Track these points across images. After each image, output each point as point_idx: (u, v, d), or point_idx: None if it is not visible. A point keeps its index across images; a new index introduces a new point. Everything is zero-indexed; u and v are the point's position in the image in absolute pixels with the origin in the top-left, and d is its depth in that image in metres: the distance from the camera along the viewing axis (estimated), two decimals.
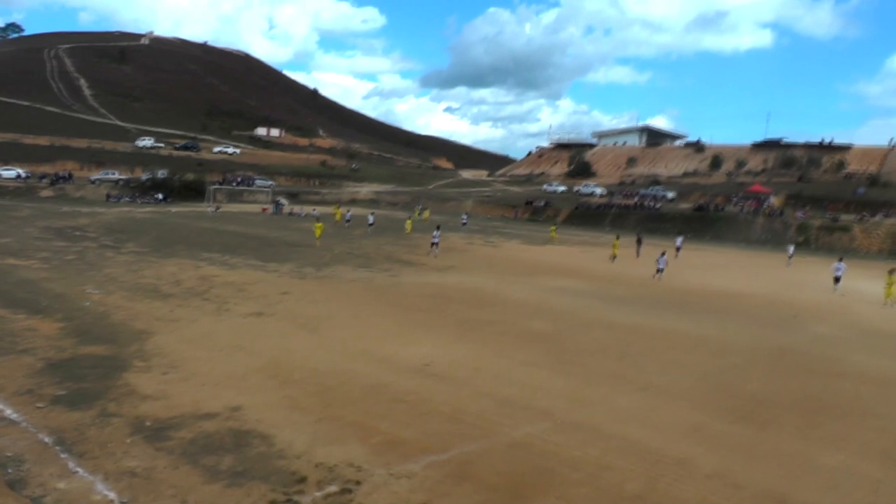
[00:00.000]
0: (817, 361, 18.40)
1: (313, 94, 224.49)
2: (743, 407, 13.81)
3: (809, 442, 12.13)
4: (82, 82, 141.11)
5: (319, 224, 40.83)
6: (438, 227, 40.10)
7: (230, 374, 13.58)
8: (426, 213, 73.70)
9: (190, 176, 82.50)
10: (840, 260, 35.59)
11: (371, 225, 52.44)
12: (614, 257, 41.57)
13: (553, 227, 58.93)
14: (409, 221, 54.67)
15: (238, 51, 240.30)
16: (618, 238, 45.61)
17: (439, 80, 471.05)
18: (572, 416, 12.52)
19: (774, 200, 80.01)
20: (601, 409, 13.03)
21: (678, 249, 46.18)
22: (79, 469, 9.17)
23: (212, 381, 13.07)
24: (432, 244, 38.11)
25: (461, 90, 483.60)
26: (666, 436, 11.84)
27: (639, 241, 47.45)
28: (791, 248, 50.21)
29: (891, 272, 31.39)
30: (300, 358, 15.12)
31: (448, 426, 11.56)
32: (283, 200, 73.04)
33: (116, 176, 79.79)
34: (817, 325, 24.06)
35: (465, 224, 62.94)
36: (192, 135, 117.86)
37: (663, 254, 35.00)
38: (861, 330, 23.81)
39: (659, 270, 33.90)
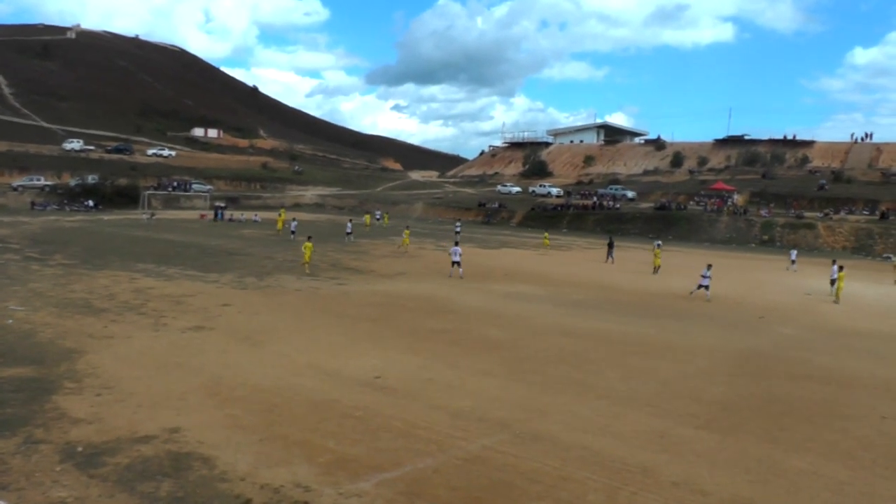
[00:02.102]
0: (783, 363, 18.87)
1: (253, 92, 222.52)
2: (708, 412, 14.09)
3: (776, 445, 12.43)
4: (1, 80, 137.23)
5: (309, 244, 33.24)
6: (457, 243, 36.02)
7: (168, 394, 13.35)
8: (386, 218, 73.00)
9: (122, 181, 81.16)
10: (834, 262, 35.03)
11: (349, 234, 50.78)
12: (657, 269, 39.52)
13: (546, 235, 56.81)
14: (406, 232, 47.35)
15: (172, 46, 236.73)
16: (659, 247, 43.02)
17: (386, 77, 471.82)
18: (530, 426, 12.61)
19: (738, 198, 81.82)
20: (561, 419, 13.16)
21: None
22: (1, 502, 8.91)
23: (149, 402, 12.83)
24: (454, 263, 33.26)
25: (409, 87, 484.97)
26: (629, 444, 12.01)
27: (610, 245, 45.81)
28: (794, 253, 47.88)
29: (840, 268, 32.54)
30: (242, 374, 14.95)
31: (400, 442, 11.55)
32: (223, 205, 72.00)
33: (42, 182, 77.69)
34: (783, 327, 24.68)
35: (458, 232, 58.81)
36: (125, 136, 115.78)
37: (710, 266, 31.34)
38: (826, 330, 24.51)
39: (703, 286, 30.12)
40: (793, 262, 46.68)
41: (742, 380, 16.90)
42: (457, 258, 33.35)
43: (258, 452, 10.76)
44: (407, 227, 50.10)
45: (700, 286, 30.35)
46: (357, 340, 18.85)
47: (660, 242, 49.40)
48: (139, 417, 12.00)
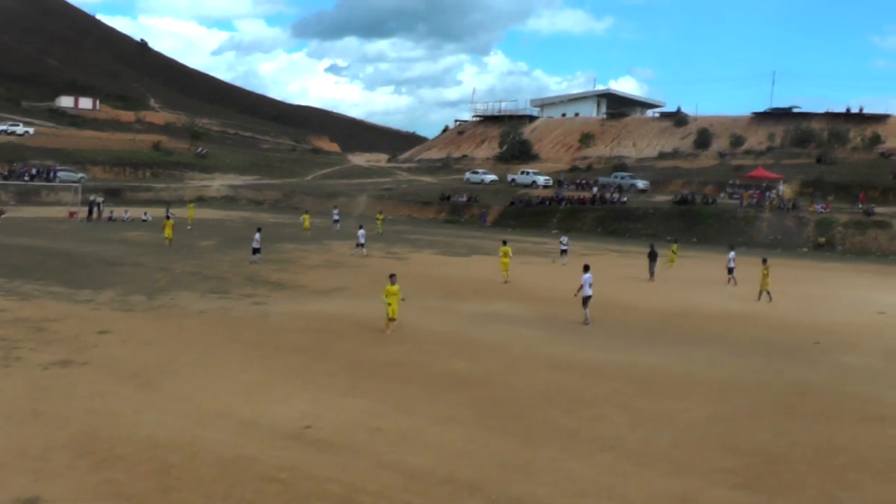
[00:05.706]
0: (848, 402, 19.08)
1: (141, 49, 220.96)
2: (749, 466, 14.21)
3: None
4: None
5: (393, 289, 24.58)
6: (587, 268, 28.78)
7: (23, 452, 13.19)
8: (379, 222, 71.12)
9: None
10: None
11: (362, 244, 48.51)
12: (767, 294, 36.34)
13: (674, 247, 52.45)
14: (505, 249, 39.50)
15: None
16: (765, 262, 38.17)
17: (320, 29, 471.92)
18: (510, 489, 12.65)
19: (784, 189, 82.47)
20: (550, 479, 13.21)
21: (731, 270, 42.91)
22: None
23: None
24: (585, 300, 28.08)
25: (351, 42, 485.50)
26: None
27: (652, 257, 43.51)
28: None
29: None
30: (127, 424, 14.82)
31: None
32: (100, 200, 71.39)
33: None
34: (847, 355, 24.88)
35: (565, 250, 51.45)
36: None
37: None
38: None
39: None
40: None
41: (793, 424, 17.08)
42: (589, 291, 28.11)
43: None
44: (504, 242, 41.50)
45: None
46: (281, 378, 18.81)
47: (733, 254, 43.71)
48: None
